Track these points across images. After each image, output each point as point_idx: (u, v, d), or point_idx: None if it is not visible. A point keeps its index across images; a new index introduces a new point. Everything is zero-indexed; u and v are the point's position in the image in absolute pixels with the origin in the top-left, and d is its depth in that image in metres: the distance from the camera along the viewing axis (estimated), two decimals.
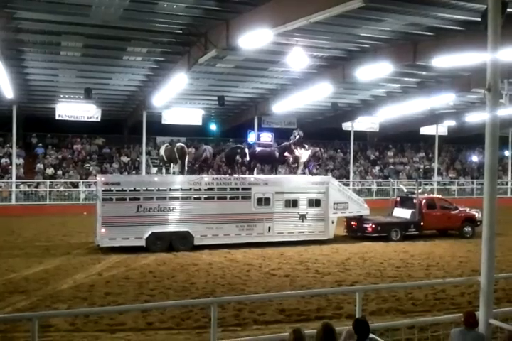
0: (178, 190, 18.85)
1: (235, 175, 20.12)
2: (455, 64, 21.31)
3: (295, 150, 21.80)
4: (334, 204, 20.86)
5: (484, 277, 7.08)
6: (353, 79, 25.94)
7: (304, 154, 21.94)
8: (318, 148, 23.45)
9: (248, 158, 20.86)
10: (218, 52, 20.90)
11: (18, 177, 32.43)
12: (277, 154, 21.73)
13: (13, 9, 17.86)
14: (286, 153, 21.73)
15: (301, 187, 20.55)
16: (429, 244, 20.77)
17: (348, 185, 34.84)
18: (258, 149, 22.04)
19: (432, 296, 12.43)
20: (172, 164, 20.99)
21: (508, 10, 7.32)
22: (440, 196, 26.58)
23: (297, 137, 22.03)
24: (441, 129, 42.89)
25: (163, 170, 23.05)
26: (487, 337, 6.79)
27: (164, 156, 21.19)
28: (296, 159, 21.85)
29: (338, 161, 43.89)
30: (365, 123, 40.92)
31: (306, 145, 22.45)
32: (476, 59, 18.92)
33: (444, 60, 20.62)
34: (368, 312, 10.26)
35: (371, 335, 6.00)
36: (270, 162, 22.40)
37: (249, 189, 19.75)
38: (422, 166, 45.59)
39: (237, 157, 20.51)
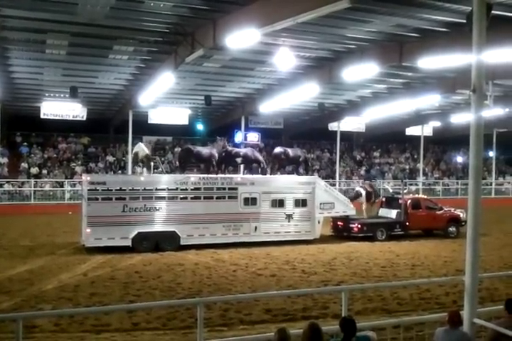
0: (164, 189, 18.79)
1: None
2: (440, 65, 21.49)
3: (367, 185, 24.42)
4: (320, 204, 20.94)
5: (469, 276, 7.13)
6: (340, 79, 25.99)
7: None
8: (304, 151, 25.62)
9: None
10: (205, 52, 20.84)
11: (2, 177, 32.09)
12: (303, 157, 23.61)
13: None
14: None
15: (288, 187, 20.58)
16: (415, 244, 20.92)
17: (334, 185, 34.93)
18: (289, 151, 23.11)
19: (417, 296, 12.50)
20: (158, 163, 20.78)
21: (493, 12, 7.36)
22: (425, 196, 26.80)
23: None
24: (426, 130, 43.15)
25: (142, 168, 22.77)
26: (471, 336, 6.83)
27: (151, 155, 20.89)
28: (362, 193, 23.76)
29: (325, 161, 44.05)
30: (351, 123, 41.07)
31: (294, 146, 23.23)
32: (461, 60, 19.10)
33: (430, 61, 20.79)
34: (354, 312, 10.27)
35: (370, 333, 6.02)
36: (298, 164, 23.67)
37: (236, 189, 19.74)
38: (407, 167, 45.90)
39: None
